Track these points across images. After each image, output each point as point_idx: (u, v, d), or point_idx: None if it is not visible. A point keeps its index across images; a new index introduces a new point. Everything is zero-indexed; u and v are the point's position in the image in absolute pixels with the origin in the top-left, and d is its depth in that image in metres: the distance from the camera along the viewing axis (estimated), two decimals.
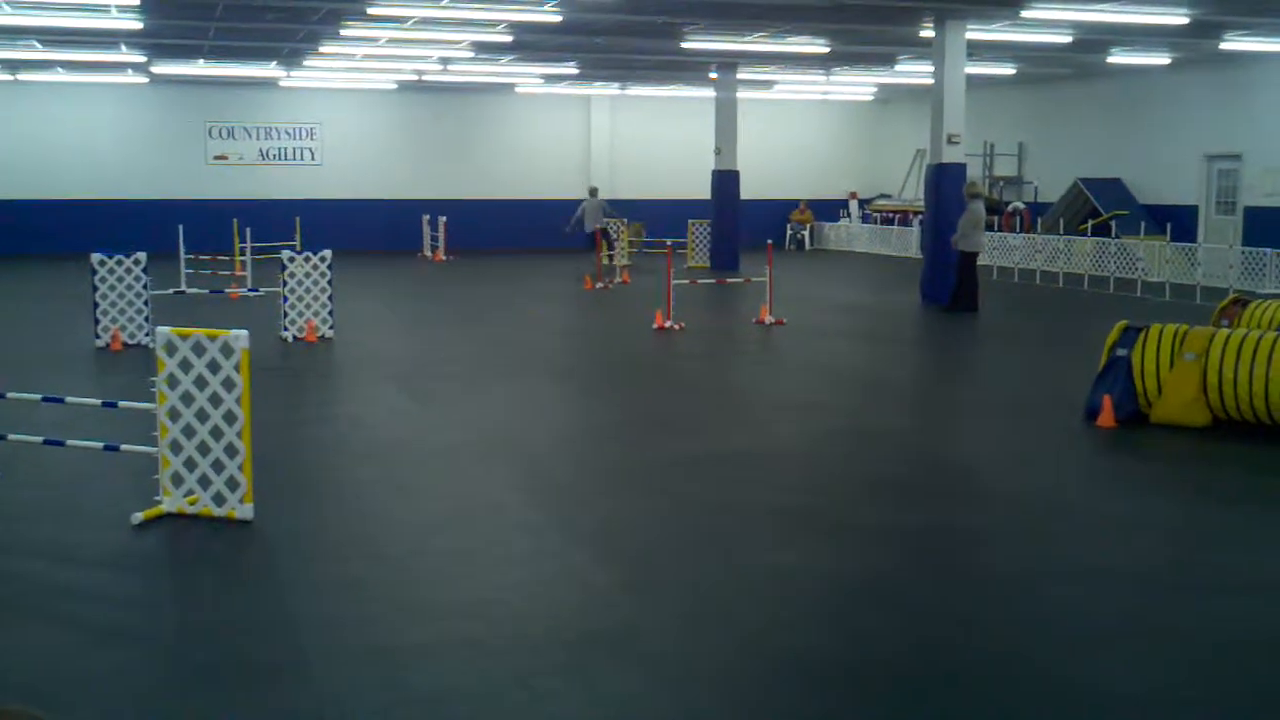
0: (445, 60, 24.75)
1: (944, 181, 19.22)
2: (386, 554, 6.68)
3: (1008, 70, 26.60)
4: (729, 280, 21.05)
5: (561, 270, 25.76)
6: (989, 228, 23.79)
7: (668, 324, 16.04)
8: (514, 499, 7.80)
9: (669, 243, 18.66)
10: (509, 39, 20.74)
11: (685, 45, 21.60)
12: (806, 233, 33.72)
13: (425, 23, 19.16)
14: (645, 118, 33.92)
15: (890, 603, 5.94)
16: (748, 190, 27.54)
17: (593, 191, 28.62)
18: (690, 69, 27.07)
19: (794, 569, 6.44)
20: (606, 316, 18.68)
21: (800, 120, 35.05)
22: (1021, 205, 28.14)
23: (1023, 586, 6.21)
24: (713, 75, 27.23)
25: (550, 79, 29.14)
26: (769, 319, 16.59)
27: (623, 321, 17.60)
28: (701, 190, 28.11)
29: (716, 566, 6.49)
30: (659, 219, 29.91)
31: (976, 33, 19.58)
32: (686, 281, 19.23)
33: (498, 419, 10.45)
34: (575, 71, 27.33)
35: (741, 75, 27.04)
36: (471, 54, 23.31)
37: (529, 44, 21.91)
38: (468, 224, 30.67)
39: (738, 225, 26.78)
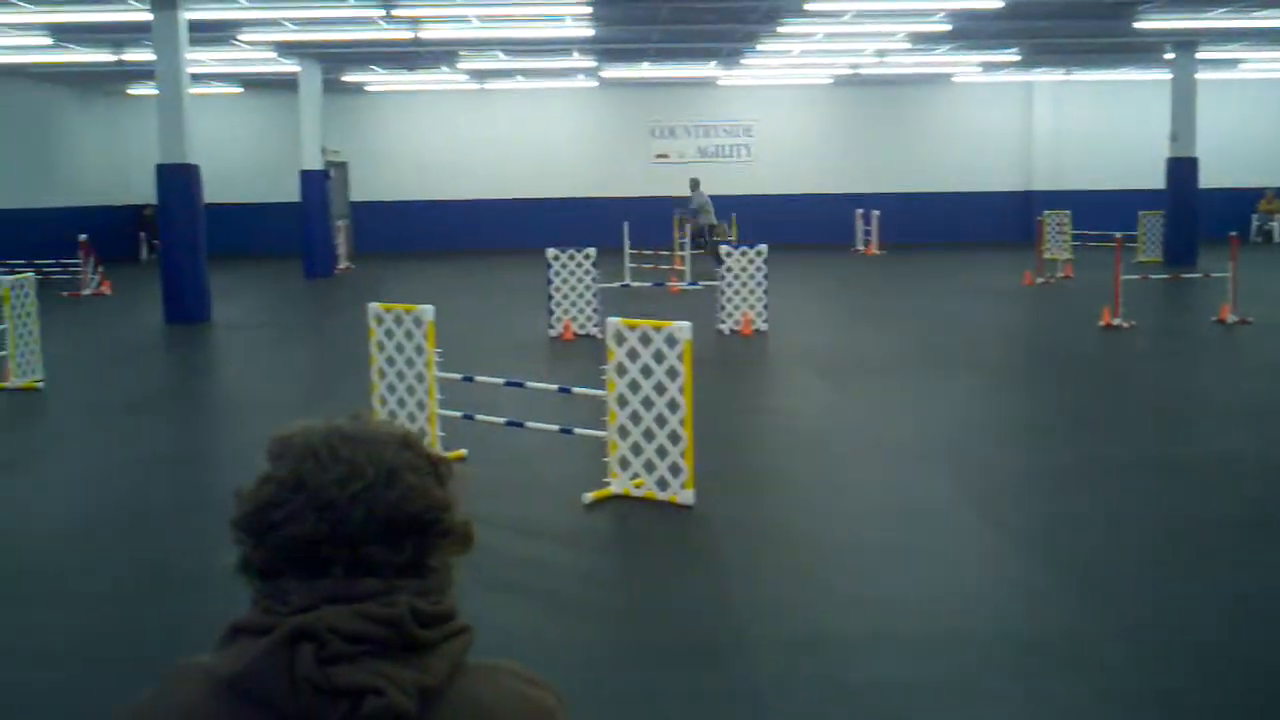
0: (881, 53, 24.58)
1: None
2: (822, 545, 6.72)
3: None
4: (1185, 276, 19.64)
5: (999, 264, 24.97)
6: None
7: (1116, 321, 15.17)
8: (949, 497, 7.63)
9: (1119, 236, 17.65)
10: (947, 28, 20.31)
11: (1138, 25, 20.32)
12: (1276, 224, 30.89)
13: (862, 15, 19.11)
14: (1091, 104, 32.24)
15: None
16: (1206, 179, 25.57)
17: (695, 184, 25.92)
18: (1143, 50, 25.47)
19: (1261, 586, 5.91)
20: (1048, 312, 17.92)
21: (1269, 101, 32.13)
22: None
23: None
24: (1169, 56, 25.46)
25: (989, 67, 28.29)
26: (1231, 317, 15.31)
27: (1066, 318, 16.83)
28: (1152, 180, 26.35)
29: (1168, 577, 6.07)
30: (1105, 211, 28.33)
31: None
32: (1137, 277, 18.12)
33: (933, 415, 10.26)
34: (1016, 58, 26.38)
35: (1202, 55, 25.11)
36: (908, 45, 23.02)
37: (968, 31, 21.36)
38: (900, 217, 30.37)
39: (1195, 217, 24.92)
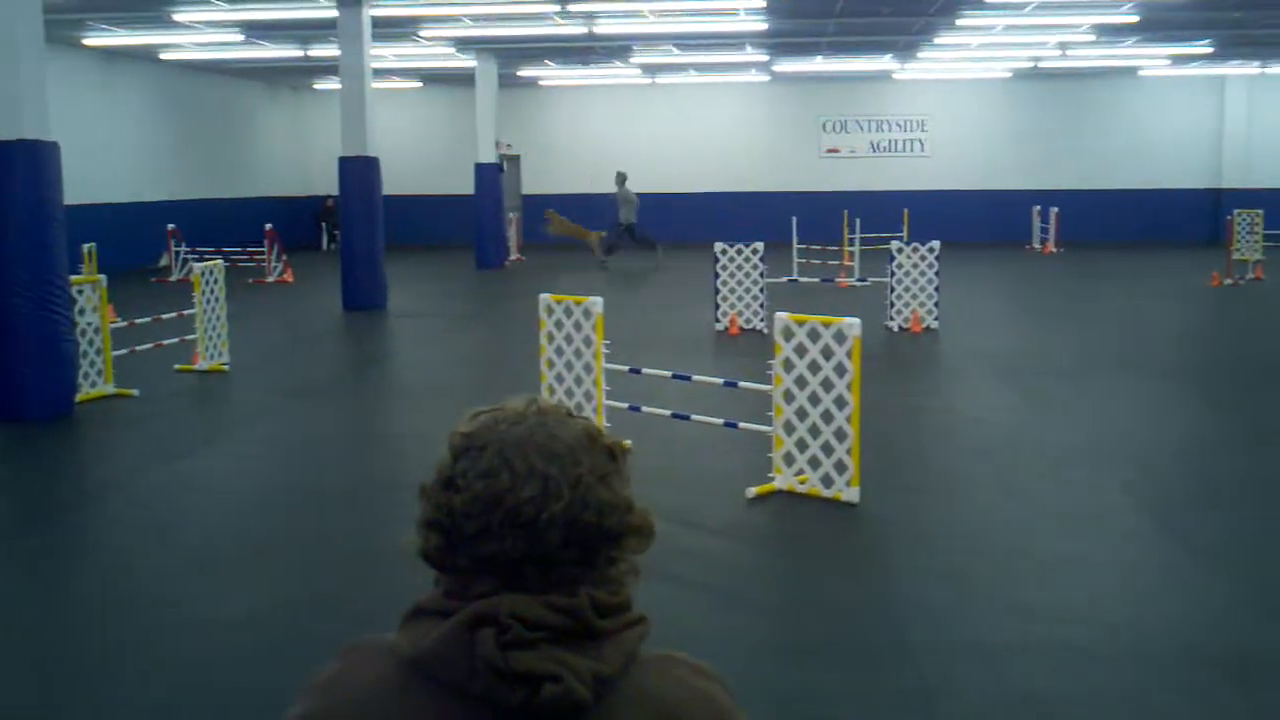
0: (1063, 45, 23.87)
1: None
2: (989, 549, 6.58)
3: None
4: None
5: (1183, 264, 24.02)
6: None
7: None
8: (1123, 504, 7.38)
9: None
10: (1134, 19, 19.61)
11: None
12: None
13: (1044, 7, 18.58)
14: None
15: None
16: None
17: (620, 178, 25.70)
18: None
19: None
20: (1237, 315, 17.17)
21: None
22: None
23: None
24: None
25: (1179, 60, 27.21)
26: None
27: (1256, 322, 16.13)
28: None
29: None
30: None
31: None
32: None
33: (1108, 419, 9.94)
34: (1208, 51, 25.31)
35: None
36: (1092, 37, 22.30)
37: (1157, 22, 20.57)
38: (1079, 215, 29.46)
39: None
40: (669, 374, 9.15)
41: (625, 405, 8.77)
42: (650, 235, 25.05)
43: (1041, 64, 27.07)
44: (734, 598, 5.91)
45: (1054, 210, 28.02)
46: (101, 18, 19.16)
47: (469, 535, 1.36)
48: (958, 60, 26.88)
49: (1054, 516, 7.18)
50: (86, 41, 21.47)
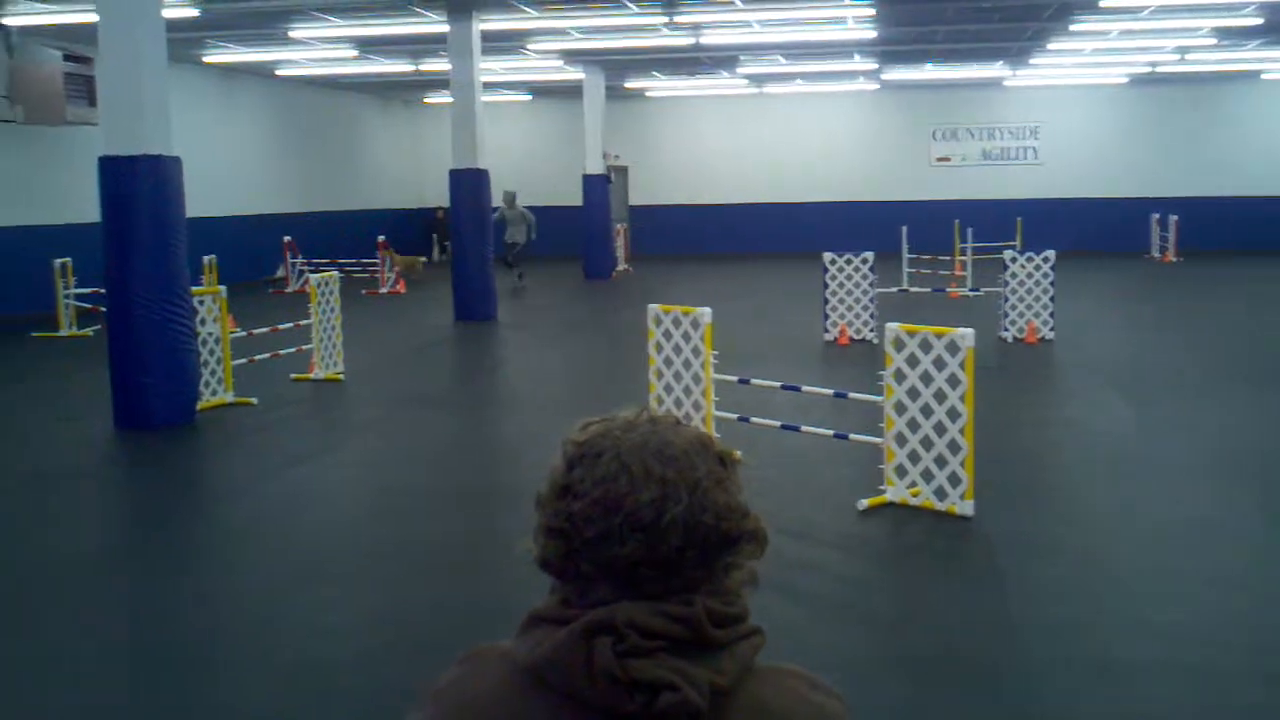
0: (1182, 50, 23.28)
1: None
2: (1108, 566, 6.42)
3: None
4: None
5: None
6: None
7: None
8: (1252, 522, 7.15)
9: None
10: (1259, 21, 19.04)
11: None
12: None
13: (1162, 11, 18.14)
14: None
15: None
16: None
17: (510, 198, 23.33)
18: None
19: None
20: None
21: None
22: None
23: None
24: None
25: None
26: None
27: None
28: None
29: None
30: None
31: None
32: None
33: (1231, 432, 9.63)
34: None
35: None
36: (1213, 41, 21.71)
37: None
38: (1200, 223, 28.64)
39: None
40: (778, 384, 9.10)
41: (734, 416, 8.73)
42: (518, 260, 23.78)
43: (1159, 69, 26.44)
44: (845, 610, 5.85)
45: (1173, 218, 27.31)
46: (221, 35, 19.68)
47: (589, 540, 1.35)
48: (1072, 66, 26.37)
49: (1177, 532, 6.97)
50: (207, 59, 22.08)
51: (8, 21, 16.97)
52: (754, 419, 8.72)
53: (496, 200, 19.26)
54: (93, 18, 10.48)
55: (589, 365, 14.47)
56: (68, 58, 17.63)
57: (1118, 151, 30.80)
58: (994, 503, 7.28)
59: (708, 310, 8.65)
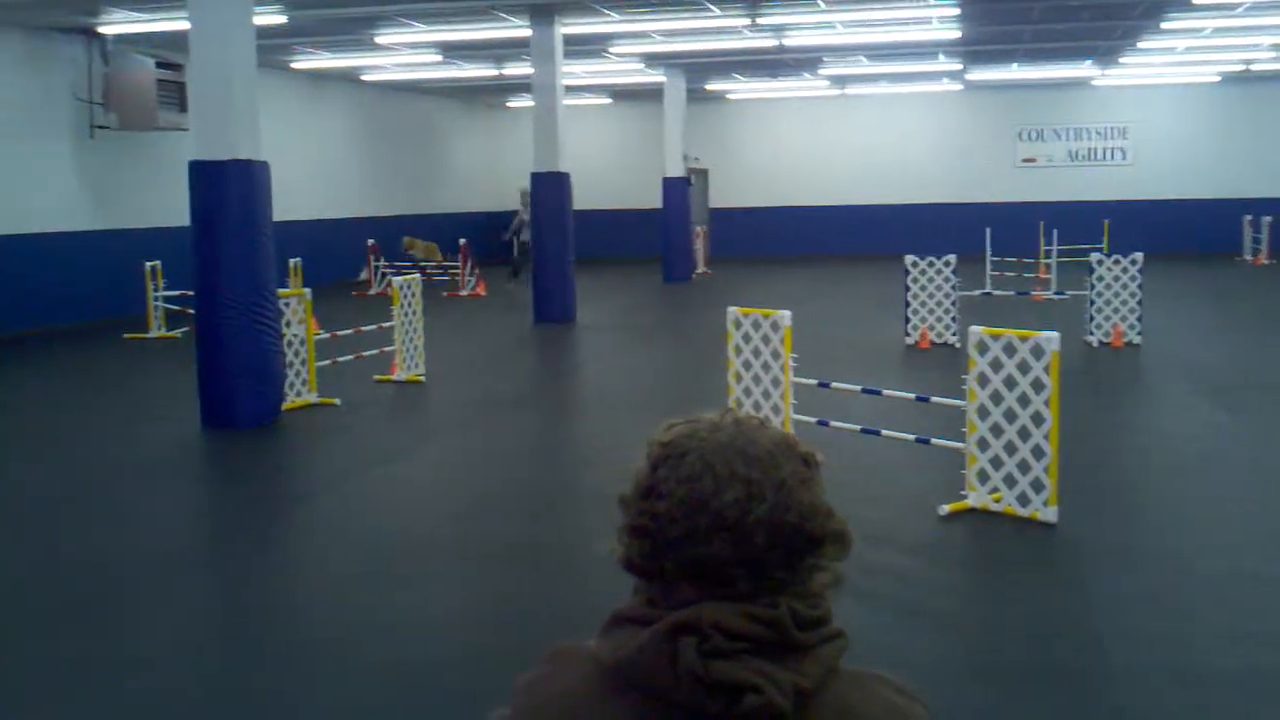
0: (1278, 47, 22.75)
1: None
2: (1196, 574, 6.28)
3: None
4: None
5: None
6: None
7: None
8: None
9: None
10: None
11: None
12: None
13: (1257, 8, 17.75)
14: None
15: None
16: None
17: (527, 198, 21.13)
18: None
19: None
20: None
21: None
22: None
23: None
24: None
25: None
26: None
27: None
28: None
29: None
30: None
31: None
32: None
33: None
34: None
35: None
36: None
37: None
38: None
39: None
40: (858, 388, 9.04)
41: (813, 419, 8.69)
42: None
43: (1253, 66, 25.84)
44: (926, 616, 5.79)
45: (1266, 219, 26.68)
46: (309, 42, 20.00)
47: (674, 539, 1.36)
48: (1163, 65, 25.88)
49: (1267, 541, 6.82)
50: (294, 65, 22.46)
51: (103, 30, 17.39)
52: (833, 423, 8.67)
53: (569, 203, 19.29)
54: (185, 25, 10.71)
55: (668, 368, 14.48)
56: (160, 65, 18.03)
57: (1209, 152, 30.13)
58: (1078, 509, 7.16)
59: (787, 313, 8.62)
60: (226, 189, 10.30)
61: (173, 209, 15.23)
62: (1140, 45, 21.95)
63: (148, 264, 16.99)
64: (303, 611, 6.09)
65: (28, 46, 17.25)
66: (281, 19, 16.00)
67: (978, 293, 17.37)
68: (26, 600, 6.27)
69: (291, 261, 18.69)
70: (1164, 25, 19.18)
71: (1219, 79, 28.55)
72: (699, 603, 1.34)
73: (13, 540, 7.39)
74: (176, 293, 16.39)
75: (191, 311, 11.47)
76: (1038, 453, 7.02)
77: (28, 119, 17.34)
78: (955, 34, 19.38)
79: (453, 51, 21.44)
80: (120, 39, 17.97)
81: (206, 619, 6.09)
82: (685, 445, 1.40)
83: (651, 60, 23.60)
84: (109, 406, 12.09)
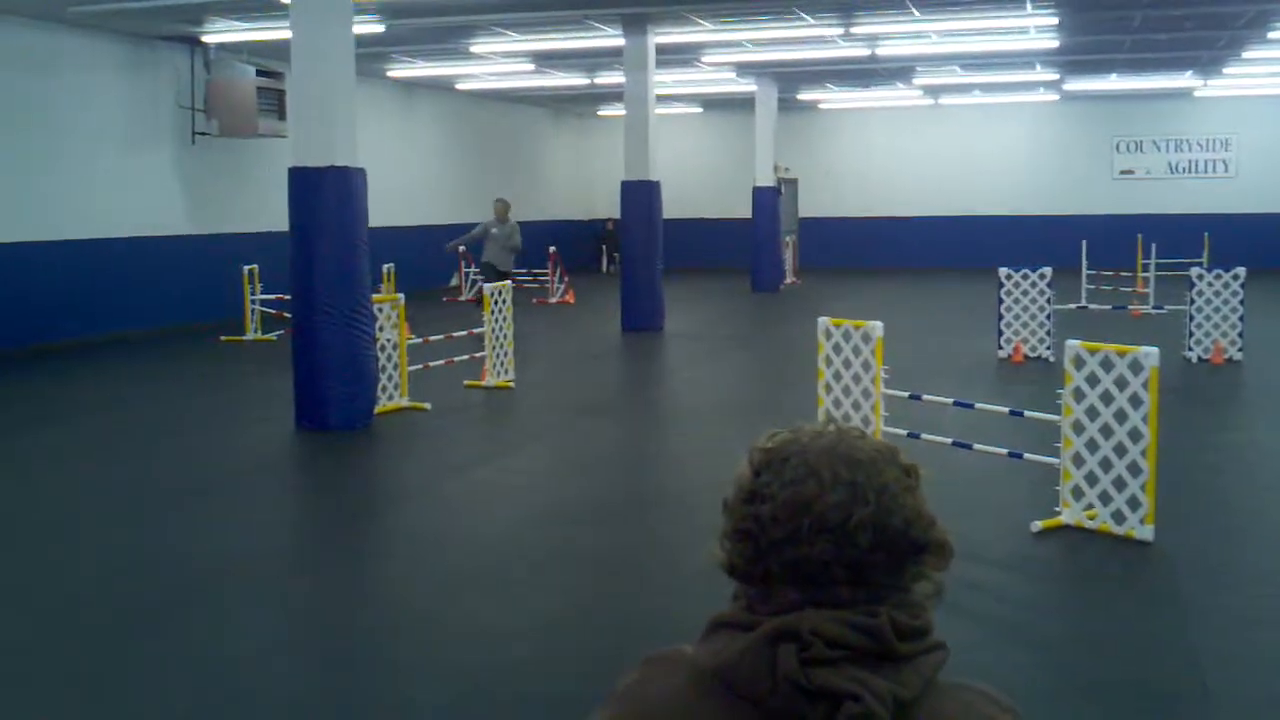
0: None
1: None
2: None
3: None
4: None
5: None
6: None
7: None
8: None
9: None
10: None
11: None
12: None
13: None
14: None
15: None
16: None
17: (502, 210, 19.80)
18: None
19: None
20: None
21: None
22: None
23: None
24: None
25: None
26: None
27: None
28: None
29: None
30: None
31: None
32: None
33: None
34: None
35: None
36: None
37: None
38: None
39: None
40: (950, 401, 8.94)
41: (904, 432, 8.60)
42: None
43: None
44: (1017, 633, 5.71)
45: None
46: (405, 50, 20.28)
47: (777, 541, 1.37)
48: (1268, 75, 25.25)
49: None
50: (390, 73, 22.78)
51: (206, 39, 17.80)
52: (924, 436, 8.58)
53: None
54: (286, 34, 10.92)
55: (757, 377, 14.44)
56: (260, 73, 18.40)
57: None
58: (1175, 528, 7.01)
59: (879, 324, 8.55)
60: (324, 195, 10.46)
61: (271, 214, 15.55)
62: (1245, 55, 21.44)
63: (245, 268, 17.34)
64: (391, 614, 6.17)
65: (133, 55, 17.71)
66: (379, 28, 16.25)
67: (1073, 306, 17.08)
68: (121, 599, 6.42)
69: (385, 267, 18.97)
70: (1270, 35, 18.73)
71: None
72: (800, 608, 1.34)
73: (108, 538, 7.56)
74: (273, 296, 16.69)
75: (287, 315, 11.69)
76: (1134, 469, 6.88)
77: (132, 125, 17.80)
78: (1053, 43, 19.09)
79: (545, 61, 21.61)
80: (222, 47, 18.38)
81: (297, 620, 6.19)
82: (788, 450, 1.41)
83: (743, 69, 23.58)
84: (206, 407, 12.35)
